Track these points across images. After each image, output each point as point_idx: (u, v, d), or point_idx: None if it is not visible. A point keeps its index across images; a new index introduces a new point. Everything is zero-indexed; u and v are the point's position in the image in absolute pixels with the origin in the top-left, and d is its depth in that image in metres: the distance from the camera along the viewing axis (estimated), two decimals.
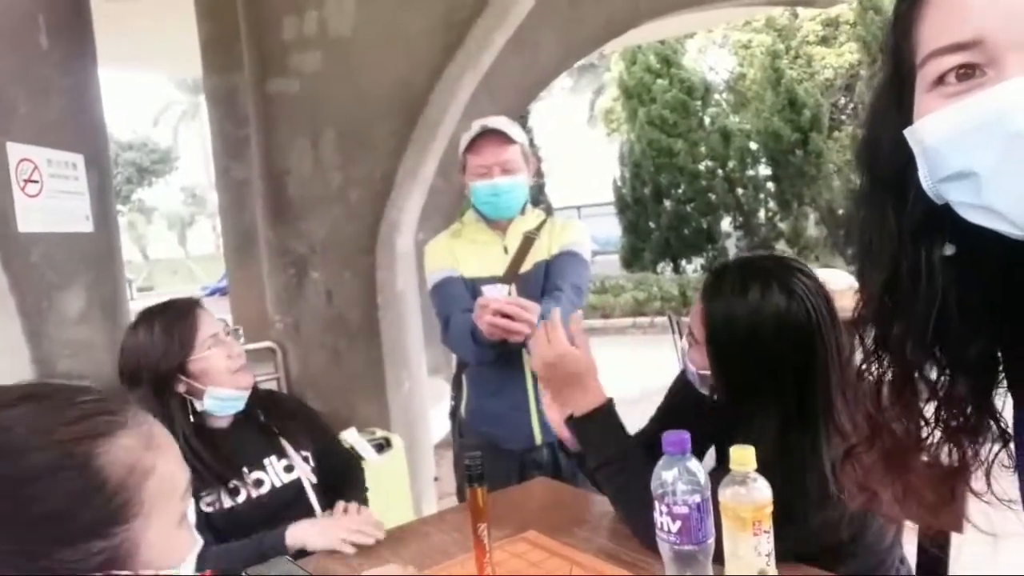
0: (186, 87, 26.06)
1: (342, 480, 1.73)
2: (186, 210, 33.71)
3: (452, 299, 1.89)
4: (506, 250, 1.94)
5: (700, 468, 0.93)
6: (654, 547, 0.99)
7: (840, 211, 11.57)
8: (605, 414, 1.25)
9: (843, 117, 12.63)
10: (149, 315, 1.54)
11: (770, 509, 0.97)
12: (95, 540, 0.58)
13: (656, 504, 0.92)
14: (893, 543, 1.26)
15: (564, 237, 1.96)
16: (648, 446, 1.22)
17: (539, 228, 1.96)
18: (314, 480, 1.64)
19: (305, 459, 1.66)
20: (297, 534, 1.40)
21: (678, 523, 0.90)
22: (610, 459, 1.22)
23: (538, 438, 1.90)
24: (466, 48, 2.56)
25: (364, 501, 1.70)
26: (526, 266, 1.93)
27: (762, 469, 0.95)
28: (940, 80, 0.49)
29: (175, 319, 1.52)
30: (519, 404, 1.89)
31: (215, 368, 1.52)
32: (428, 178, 2.94)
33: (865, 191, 0.58)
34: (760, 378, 1.11)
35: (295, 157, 2.81)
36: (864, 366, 0.60)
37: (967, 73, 0.47)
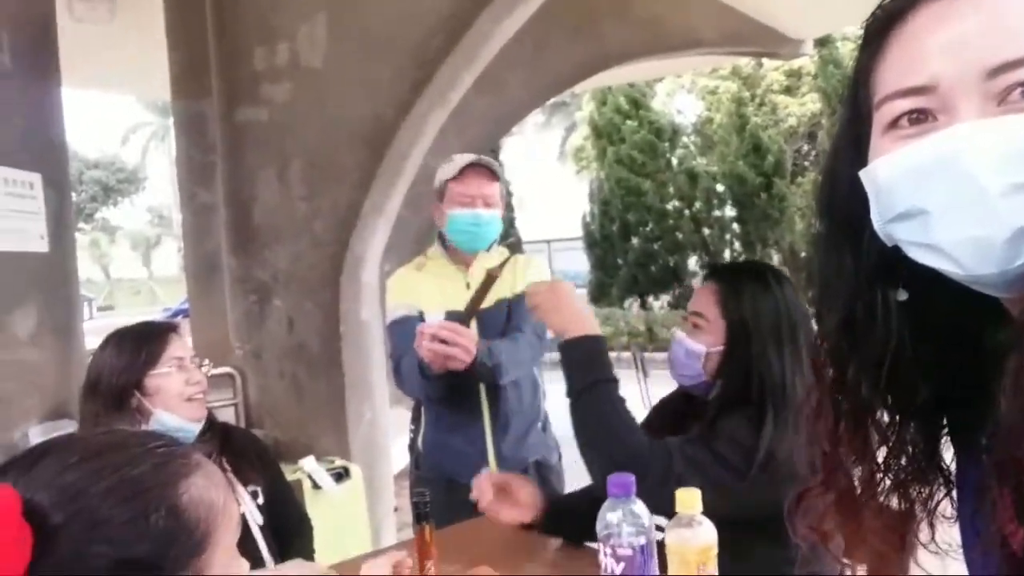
0: (156, 108, 25.86)
1: (289, 533, 1.70)
2: (152, 230, 33.20)
3: (406, 340, 1.87)
4: (468, 285, 1.94)
5: (645, 511, 0.94)
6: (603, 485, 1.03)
7: (802, 254, 11.85)
8: (597, 343, 1.29)
9: (806, 163, 12.99)
10: (123, 333, 1.55)
11: (715, 551, 0.98)
12: (179, 570, 0.64)
13: (600, 546, 0.93)
14: None
15: (528, 276, 1.96)
16: None
17: (502, 265, 1.96)
18: (260, 520, 1.61)
19: (253, 494, 1.63)
20: None
21: (622, 564, 0.91)
22: (595, 382, 1.25)
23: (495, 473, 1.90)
24: (434, 85, 2.59)
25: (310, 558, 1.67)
26: (488, 302, 1.92)
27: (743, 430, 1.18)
28: (894, 123, 0.51)
29: (147, 336, 1.53)
30: (475, 439, 1.89)
31: (170, 389, 1.50)
32: (394, 211, 2.95)
33: (823, 234, 0.59)
34: (763, 351, 1.25)
35: (261, 186, 2.81)
36: (821, 407, 0.60)
37: (919, 118, 0.49)
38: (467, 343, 1.70)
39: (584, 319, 1.31)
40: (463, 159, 1.92)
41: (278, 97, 2.75)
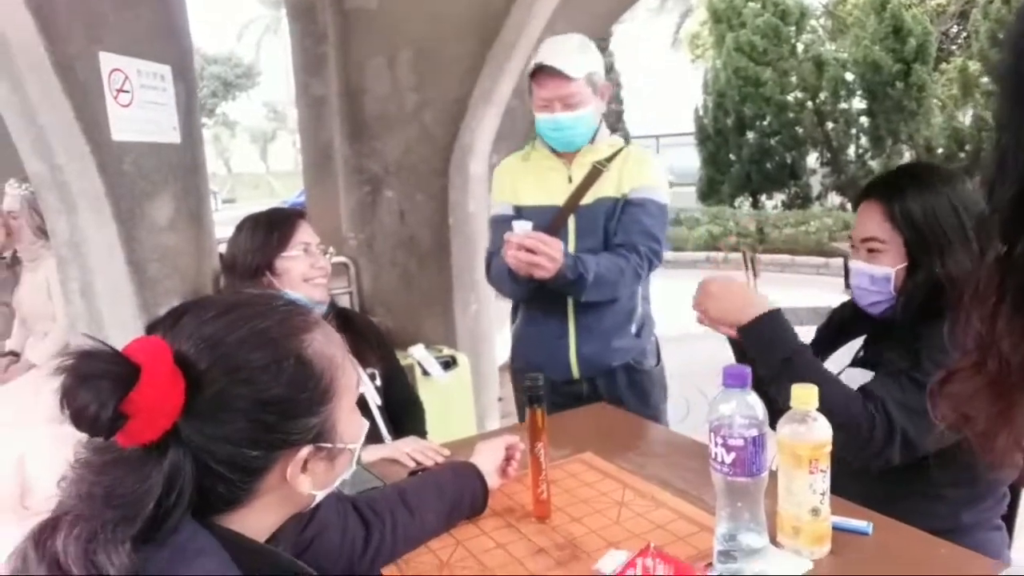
0: (269, 1, 26.14)
1: (403, 414, 1.79)
2: (268, 125, 34.37)
3: (499, 238, 1.80)
4: (570, 179, 1.85)
5: (759, 403, 0.92)
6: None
7: (939, 150, 10.86)
8: (773, 319, 1.26)
9: (953, 48, 11.69)
10: (256, 217, 1.66)
11: (828, 448, 0.97)
12: (309, 417, 0.71)
13: (711, 435, 0.93)
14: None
15: (637, 178, 1.82)
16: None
17: (611, 159, 1.84)
18: (379, 401, 1.71)
19: (372, 376, 1.73)
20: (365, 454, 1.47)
21: (732, 455, 0.90)
22: (786, 359, 1.22)
23: (575, 372, 1.88)
24: None
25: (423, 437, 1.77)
26: (588, 199, 1.83)
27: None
28: None
29: (278, 221, 1.64)
30: (560, 336, 1.87)
31: (295, 272, 1.59)
32: (503, 100, 2.90)
33: (1006, 97, 0.52)
34: (948, 256, 1.20)
35: (372, 76, 2.82)
36: (983, 284, 0.56)
37: None
38: (552, 253, 1.64)
39: (751, 303, 1.27)
40: (535, 58, 1.76)
41: None
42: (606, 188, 1.83)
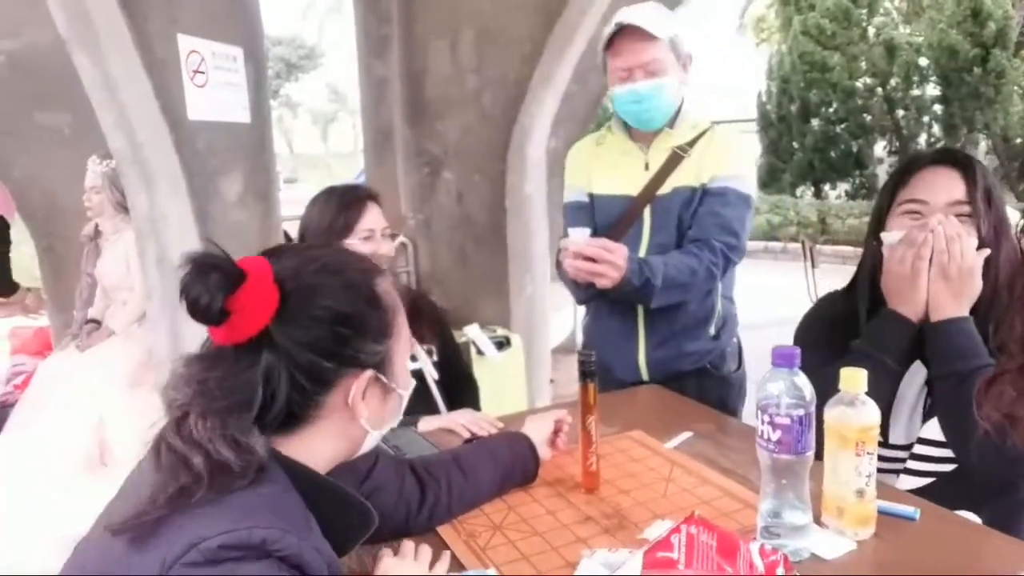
0: None
1: (458, 390, 1.84)
2: (329, 107, 34.93)
3: (570, 226, 1.69)
4: (647, 166, 1.71)
5: (808, 384, 0.94)
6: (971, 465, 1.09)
7: (1017, 140, 10.37)
8: (971, 324, 1.17)
9: None
10: (330, 192, 1.73)
11: (876, 432, 0.97)
12: (375, 344, 0.82)
13: (759, 413, 0.95)
14: None
15: (720, 165, 1.66)
16: None
17: (693, 143, 1.69)
18: (435, 375, 1.77)
19: (429, 352, 1.78)
20: (421, 424, 1.55)
21: (778, 432, 0.92)
22: (981, 367, 1.12)
23: (644, 374, 1.77)
24: None
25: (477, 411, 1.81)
26: (666, 188, 1.68)
27: None
28: None
29: (350, 201, 1.69)
30: (628, 335, 1.76)
31: None
32: (563, 82, 2.91)
33: None
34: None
35: (434, 56, 2.87)
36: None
37: None
38: (615, 260, 1.52)
39: (971, 299, 1.18)
40: (613, 22, 1.61)
41: None
42: (685, 176, 1.69)
